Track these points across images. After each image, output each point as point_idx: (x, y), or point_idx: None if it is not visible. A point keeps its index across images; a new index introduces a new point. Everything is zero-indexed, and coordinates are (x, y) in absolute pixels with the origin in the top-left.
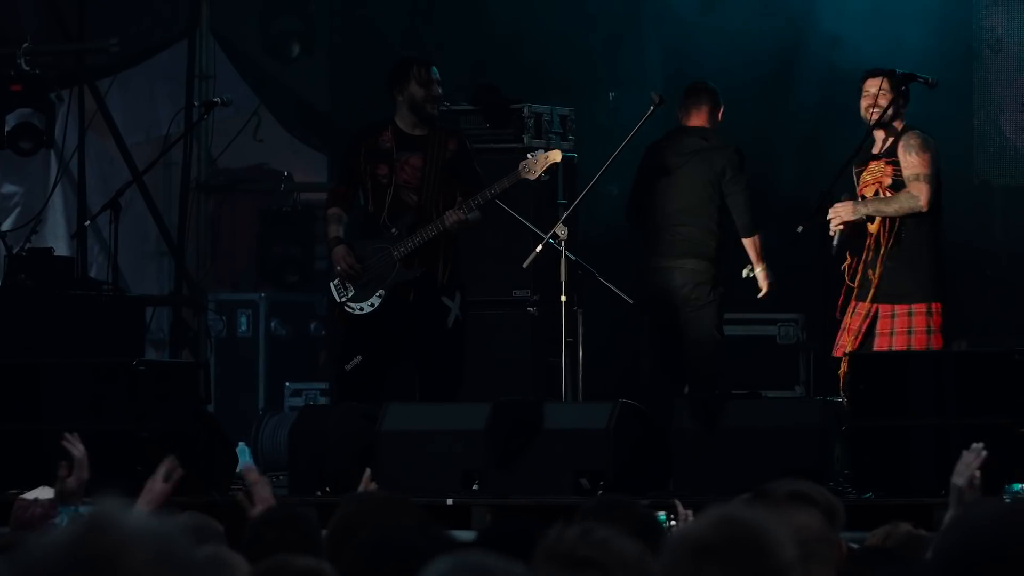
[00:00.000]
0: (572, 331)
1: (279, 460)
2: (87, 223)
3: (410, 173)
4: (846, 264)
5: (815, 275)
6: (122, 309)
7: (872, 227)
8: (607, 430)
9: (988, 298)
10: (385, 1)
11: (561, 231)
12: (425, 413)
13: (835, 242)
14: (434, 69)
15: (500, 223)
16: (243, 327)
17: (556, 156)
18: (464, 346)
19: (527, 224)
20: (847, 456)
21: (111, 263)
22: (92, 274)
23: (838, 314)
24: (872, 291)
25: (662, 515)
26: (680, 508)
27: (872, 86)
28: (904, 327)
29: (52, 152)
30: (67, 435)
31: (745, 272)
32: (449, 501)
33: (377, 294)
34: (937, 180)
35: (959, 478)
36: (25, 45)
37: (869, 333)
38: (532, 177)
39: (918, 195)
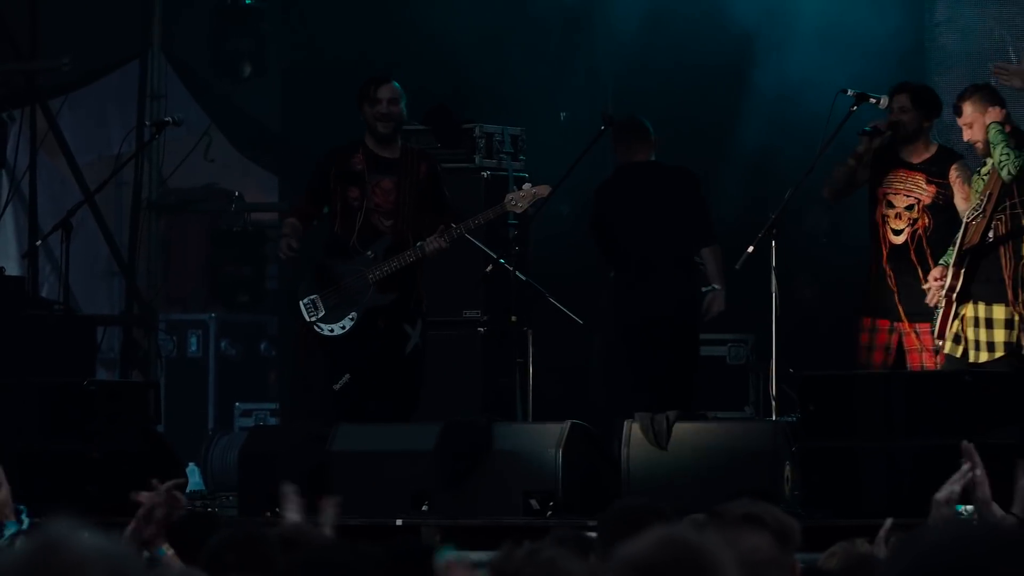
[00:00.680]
0: (522, 351)
1: (229, 481)
2: (38, 243)
3: (383, 197)
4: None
5: (765, 296)
6: (73, 329)
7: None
8: (557, 451)
9: None
10: (337, 21)
11: (512, 251)
12: (375, 434)
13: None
14: (388, 86)
15: (451, 244)
16: (193, 347)
17: (544, 191)
18: (421, 376)
19: (478, 244)
20: (798, 477)
21: (62, 283)
22: (43, 294)
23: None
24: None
25: None
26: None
27: (896, 102)
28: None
29: (3, 172)
30: None
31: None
32: (398, 522)
33: (349, 316)
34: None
35: (940, 493)
36: None
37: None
38: (518, 210)
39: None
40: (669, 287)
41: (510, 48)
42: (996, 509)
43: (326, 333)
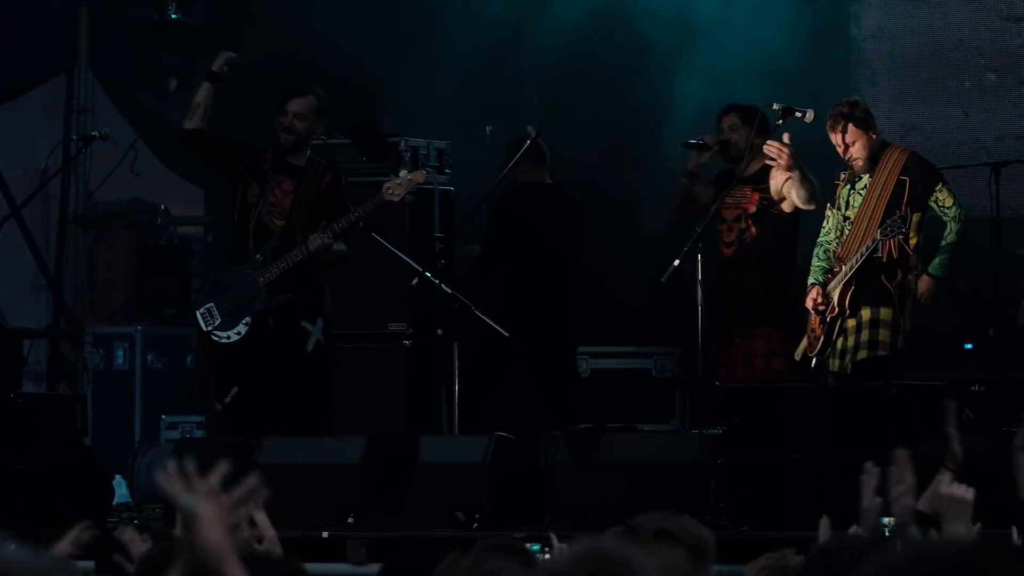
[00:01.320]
0: (448, 364)
1: (155, 493)
2: None
3: (279, 197)
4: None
5: (690, 309)
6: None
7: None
8: (483, 463)
9: None
10: (263, 36)
11: (437, 264)
12: (301, 446)
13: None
14: (297, 100)
15: (375, 257)
16: (120, 360)
17: (419, 177)
18: (329, 373)
19: (403, 257)
20: (723, 489)
21: None
22: None
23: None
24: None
25: (536, 546)
26: (555, 541)
27: (726, 122)
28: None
29: None
30: None
31: None
32: (324, 534)
33: (243, 322)
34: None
35: (865, 500)
36: None
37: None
38: (396, 199)
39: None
40: (547, 311)
41: (436, 62)
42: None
43: (223, 341)
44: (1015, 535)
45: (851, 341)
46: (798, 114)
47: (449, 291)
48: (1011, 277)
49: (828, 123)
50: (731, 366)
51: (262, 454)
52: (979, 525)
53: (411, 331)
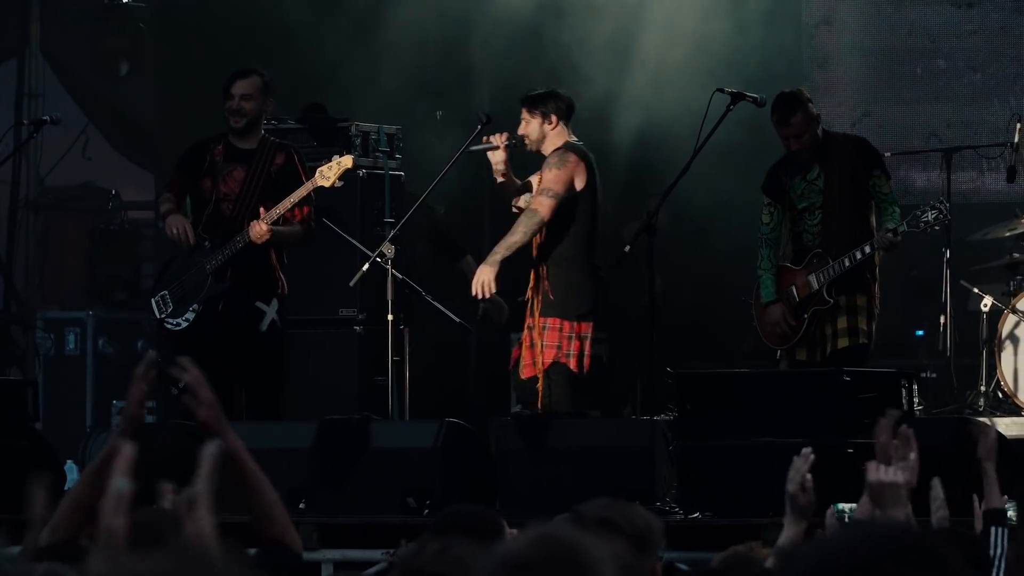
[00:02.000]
0: (399, 350)
1: None
2: None
3: (231, 185)
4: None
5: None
6: None
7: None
8: (434, 449)
9: None
10: (212, 21)
11: (388, 249)
12: (251, 432)
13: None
14: (242, 82)
15: (326, 242)
16: (71, 345)
17: (348, 162)
18: (283, 352)
19: (353, 242)
20: (675, 476)
21: None
22: None
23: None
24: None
25: None
26: (506, 528)
27: (523, 115)
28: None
29: None
30: None
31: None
32: None
33: (191, 308)
34: (575, 195)
35: (791, 484)
36: None
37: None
38: (327, 184)
39: (537, 208)
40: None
41: (387, 46)
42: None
43: (174, 328)
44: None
45: (828, 329)
46: (749, 98)
47: (400, 276)
48: (962, 263)
49: (775, 114)
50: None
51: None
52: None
53: (362, 316)
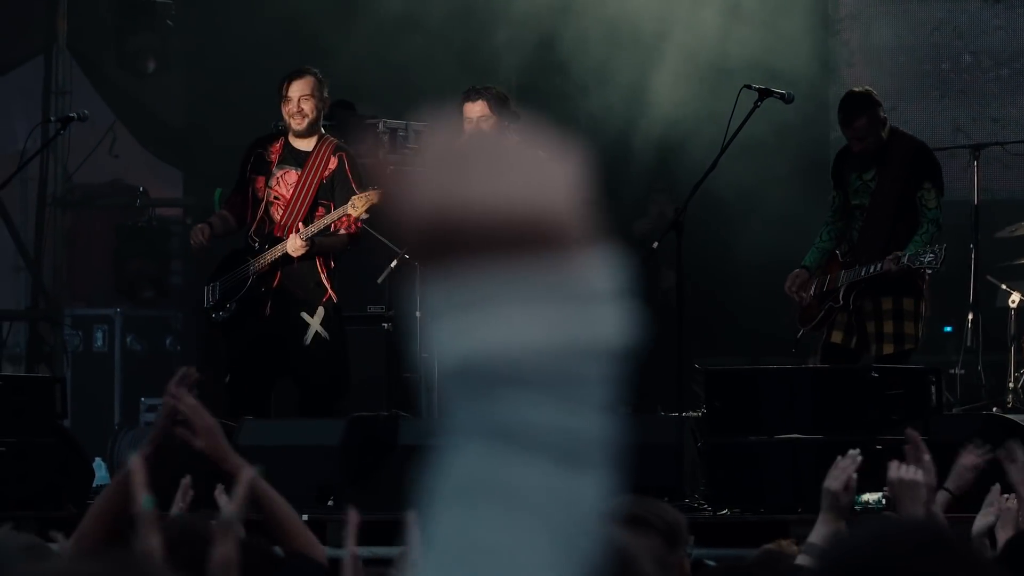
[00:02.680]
0: (427, 346)
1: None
2: None
3: (284, 188)
4: None
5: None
6: None
7: None
8: None
9: None
10: (239, 18)
11: None
12: (280, 429)
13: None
14: (298, 83)
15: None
16: (99, 342)
17: (375, 197)
18: (333, 362)
19: (381, 239)
20: (703, 473)
21: None
22: None
23: None
24: None
25: None
26: None
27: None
28: None
29: None
30: None
31: None
32: (304, 517)
33: (228, 306)
34: None
35: (834, 482)
36: None
37: None
38: (355, 214)
39: None
40: None
41: (415, 44)
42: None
43: (215, 318)
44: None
45: (871, 326)
46: (776, 95)
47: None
48: (989, 259)
49: (840, 113)
50: None
51: (240, 436)
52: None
53: (390, 313)
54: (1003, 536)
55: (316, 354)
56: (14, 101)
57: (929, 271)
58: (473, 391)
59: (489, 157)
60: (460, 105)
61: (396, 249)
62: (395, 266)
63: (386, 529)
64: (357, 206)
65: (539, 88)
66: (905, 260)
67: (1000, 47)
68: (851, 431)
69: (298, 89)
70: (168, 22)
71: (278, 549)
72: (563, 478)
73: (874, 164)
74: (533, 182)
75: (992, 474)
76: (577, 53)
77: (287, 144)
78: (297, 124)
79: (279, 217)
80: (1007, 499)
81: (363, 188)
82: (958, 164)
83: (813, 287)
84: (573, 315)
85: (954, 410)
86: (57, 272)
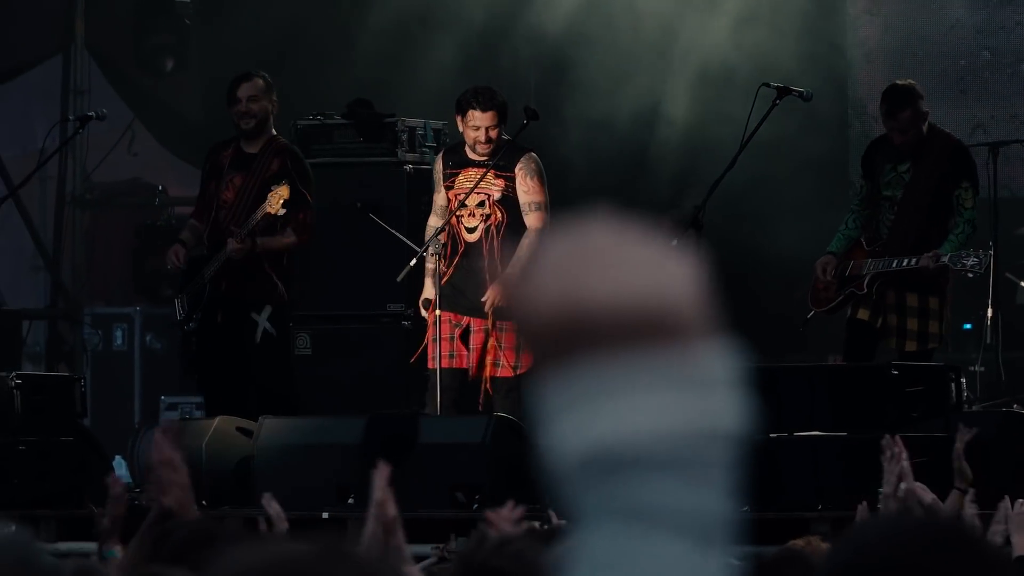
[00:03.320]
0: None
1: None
2: None
3: (231, 192)
4: None
5: None
6: None
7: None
8: (483, 444)
9: None
10: (257, 17)
11: (435, 245)
12: (300, 427)
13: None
14: (247, 84)
15: (373, 237)
16: (119, 341)
17: (285, 192)
18: (280, 360)
19: (400, 237)
20: None
21: None
22: None
23: None
24: None
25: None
26: (555, 519)
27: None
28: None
29: None
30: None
31: None
32: (324, 515)
33: (196, 313)
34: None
35: (887, 486)
36: None
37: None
38: (272, 211)
39: (540, 226)
40: None
41: (435, 42)
42: (923, 495)
43: (188, 329)
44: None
45: (893, 321)
46: (795, 93)
47: (446, 271)
48: (1008, 257)
49: (885, 105)
50: (441, 341)
51: (261, 435)
52: None
53: (410, 311)
54: (1019, 540)
55: (264, 352)
56: (33, 100)
57: (970, 275)
58: (605, 475)
59: (612, 254)
60: (463, 108)
61: (415, 247)
62: (414, 264)
63: (406, 527)
64: (272, 203)
65: (560, 86)
66: (946, 260)
67: (1019, 44)
68: (871, 428)
69: (246, 90)
70: (186, 21)
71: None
72: (697, 557)
73: (910, 157)
74: (655, 277)
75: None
76: (595, 53)
77: (238, 148)
78: (245, 124)
79: (224, 219)
80: (1021, 503)
81: (308, 187)
82: (977, 162)
83: (834, 270)
84: (696, 401)
85: (974, 407)
86: (76, 271)
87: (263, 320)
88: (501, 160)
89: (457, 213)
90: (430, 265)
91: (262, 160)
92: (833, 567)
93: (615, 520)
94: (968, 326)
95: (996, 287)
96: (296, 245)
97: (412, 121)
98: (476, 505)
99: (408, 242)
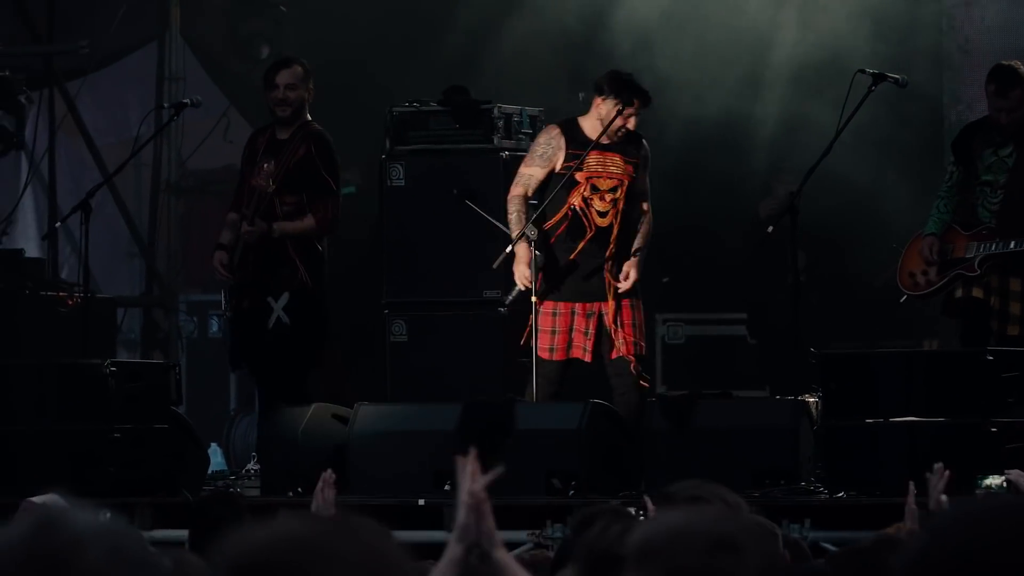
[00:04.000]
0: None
1: (251, 461)
2: (58, 224)
3: (263, 178)
4: None
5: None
6: (93, 310)
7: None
8: (579, 430)
9: None
10: (352, 3)
11: (531, 231)
12: (396, 414)
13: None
14: (285, 71)
15: (470, 224)
16: (214, 328)
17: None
18: (290, 351)
19: (497, 224)
20: (818, 456)
21: (82, 264)
22: (63, 275)
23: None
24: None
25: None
26: (650, 505)
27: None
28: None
29: (23, 154)
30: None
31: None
32: (421, 502)
33: (227, 299)
34: None
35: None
36: None
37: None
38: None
39: (649, 212)
40: None
41: (530, 29)
42: None
43: (226, 317)
44: None
45: (996, 304)
46: (891, 79)
47: (543, 257)
48: None
49: (994, 84)
50: (574, 332)
51: (356, 422)
52: None
53: (506, 298)
54: None
55: (274, 340)
56: (128, 88)
57: None
58: None
59: None
60: (626, 96)
61: (509, 233)
62: (510, 251)
63: (502, 514)
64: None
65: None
66: None
67: None
68: (967, 414)
69: (284, 77)
70: (281, 8)
71: None
72: None
73: (1011, 141)
74: None
75: None
76: (689, 39)
77: (272, 135)
78: (281, 112)
79: (255, 205)
80: None
81: (333, 175)
82: None
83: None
84: None
85: None
86: (171, 258)
87: (278, 307)
88: (629, 146)
89: (587, 196)
90: (524, 251)
91: (291, 145)
92: (913, 554)
93: None
94: None
95: None
96: (315, 230)
97: (508, 108)
98: (572, 492)
99: (504, 228)
